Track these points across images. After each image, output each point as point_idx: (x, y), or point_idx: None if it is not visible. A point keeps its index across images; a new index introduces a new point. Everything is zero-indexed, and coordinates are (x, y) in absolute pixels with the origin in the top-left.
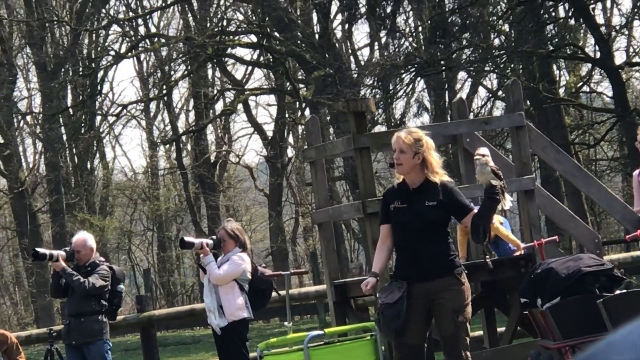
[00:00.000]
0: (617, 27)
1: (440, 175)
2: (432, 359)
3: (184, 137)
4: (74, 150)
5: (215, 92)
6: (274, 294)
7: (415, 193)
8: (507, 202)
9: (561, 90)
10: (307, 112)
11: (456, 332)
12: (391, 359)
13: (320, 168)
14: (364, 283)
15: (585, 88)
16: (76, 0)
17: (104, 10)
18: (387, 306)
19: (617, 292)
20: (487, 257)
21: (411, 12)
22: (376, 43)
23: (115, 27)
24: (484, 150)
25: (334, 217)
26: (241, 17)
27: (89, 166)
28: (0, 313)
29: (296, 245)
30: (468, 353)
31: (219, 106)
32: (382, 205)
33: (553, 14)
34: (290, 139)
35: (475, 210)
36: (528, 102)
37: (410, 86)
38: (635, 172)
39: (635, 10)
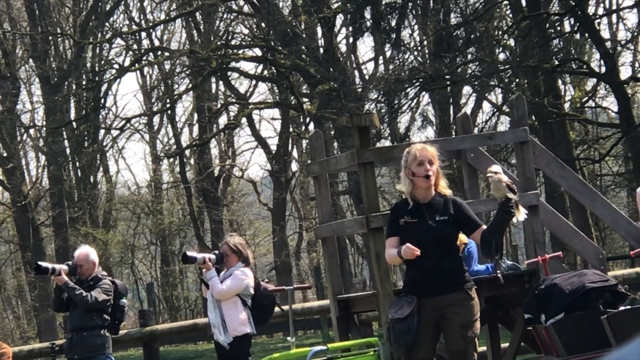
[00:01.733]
0: (623, 42)
1: (447, 191)
2: None
3: (187, 151)
4: (77, 163)
5: (219, 105)
6: (276, 309)
7: (426, 207)
8: (522, 214)
9: (566, 105)
10: (311, 126)
11: (465, 347)
12: None
13: (324, 183)
14: (409, 249)
15: (591, 103)
16: (80, 13)
17: (107, 24)
18: (398, 321)
19: (622, 308)
20: (499, 271)
21: (416, 26)
22: (381, 57)
23: (119, 41)
24: (496, 167)
25: (338, 232)
26: (245, 31)
27: (92, 180)
28: (3, 327)
29: (300, 259)
30: None
31: (222, 120)
32: (390, 219)
33: (558, 28)
34: (295, 153)
35: (484, 227)
36: (533, 117)
37: (415, 100)
38: (639, 189)
39: None
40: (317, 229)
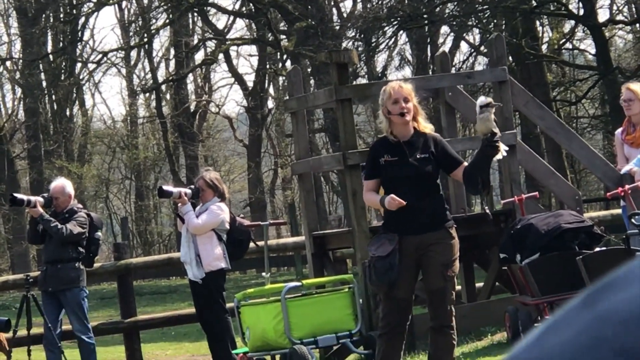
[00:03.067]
0: None
1: (427, 127)
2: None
3: (163, 86)
4: (54, 96)
5: (196, 41)
6: (251, 244)
7: (407, 145)
8: (502, 151)
9: (544, 47)
10: (288, 63)
11: (445, 285)
12: (369, 312)
13: (301, 119)
14: (394, 200)
15: (568, 45)
16: None
17: None
18: (380, 259)
19: (597, 249)
20: (487, 208)
21: None
22: None
23: None
24: (487, 99)
25: (314, 168)
26: None
27: (68, 113)
28: None
29: (274, 196)
30: (453, 307)
31: (199, 56)
32: (369, 160)
33: None
34: (271, 90)
35: (466, 164)
36: (510, 58)
37: (393, 39)
38: (618, 131)
39: None
40: (293, 165)
